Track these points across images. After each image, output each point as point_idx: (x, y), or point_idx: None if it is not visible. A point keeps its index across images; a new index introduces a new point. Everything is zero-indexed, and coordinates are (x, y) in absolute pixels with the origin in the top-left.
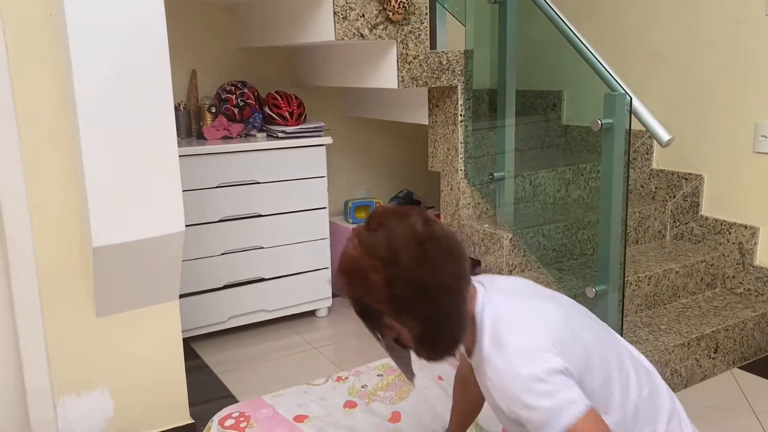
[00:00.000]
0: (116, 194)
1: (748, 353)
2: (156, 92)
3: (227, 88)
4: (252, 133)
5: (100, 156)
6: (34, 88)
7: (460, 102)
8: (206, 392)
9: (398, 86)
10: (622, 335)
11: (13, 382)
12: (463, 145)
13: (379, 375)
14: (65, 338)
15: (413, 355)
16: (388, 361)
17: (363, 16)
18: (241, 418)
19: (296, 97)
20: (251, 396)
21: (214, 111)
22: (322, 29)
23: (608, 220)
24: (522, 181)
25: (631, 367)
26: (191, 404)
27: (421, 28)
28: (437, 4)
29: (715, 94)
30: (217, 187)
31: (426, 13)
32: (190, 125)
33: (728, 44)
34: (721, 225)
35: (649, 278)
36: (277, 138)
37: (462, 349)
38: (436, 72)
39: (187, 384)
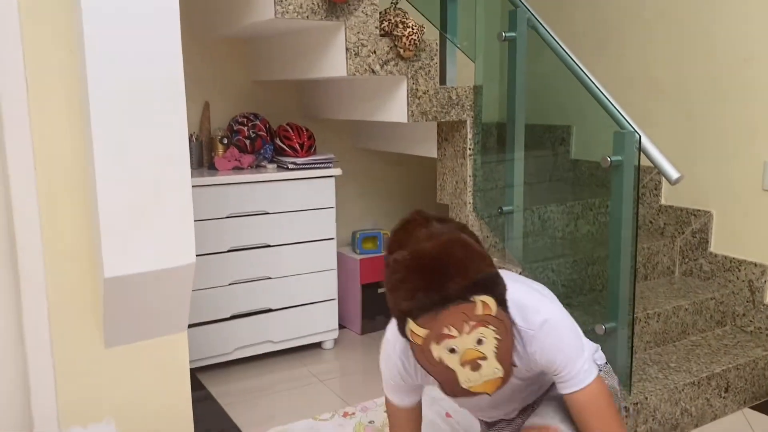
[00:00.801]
0: (129, 225)
1: (760, 393)
2: (171, 125)
3: (239, 120)
4: (263, 164)
5: (114, 187)
6: (50, 119)
7: (469, 136)
8: (212, 424)
9: (408, 120)
10: (631, 373)
11: (21, 411)
12: (471, 178)
13: (386, 411)
14: (73, 368)
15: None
16: None
17: (374, 52)
18: None
19: (307, 130)
20: (257, 429)
21: (225, 142)
22: (335, 65)
23: (618, 256)
24: (531, 215)
25: None
26: None
27: (431, 64)
28: (447, 41)
29: (724, 131)
30: (227, 217)
31: (436, 50)
32: (202, 156)
33: (737, 83)
34: (731, 262)
35: (659, 315)
36: (287, 169)
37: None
38: (446, 107)
39: (194, 416)
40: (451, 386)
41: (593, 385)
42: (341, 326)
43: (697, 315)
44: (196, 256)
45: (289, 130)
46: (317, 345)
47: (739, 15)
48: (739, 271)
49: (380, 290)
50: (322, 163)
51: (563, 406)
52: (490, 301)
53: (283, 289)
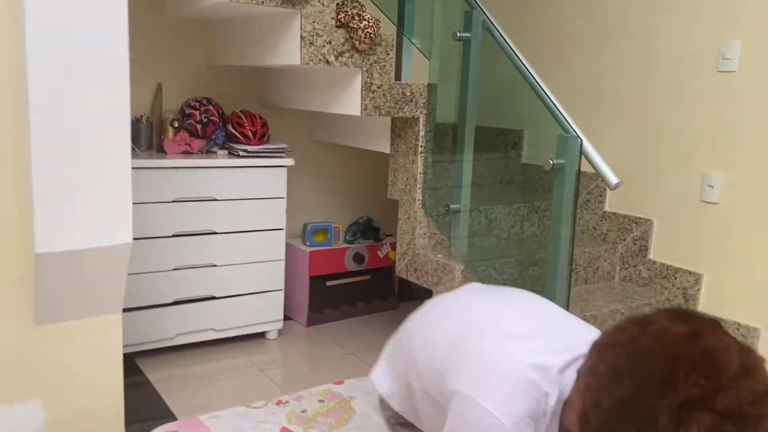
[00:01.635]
0: (64, 202)
1: None
2: (113, 102)
3: (192, 104)
4: (213, 150)
5: (49, 161)
6: None
7: (422, 133)
8: (146, 409)
9: (361, 114)
10: None
11: None
12: (422, 175)
13: (320, 401)
14: (1, 344)
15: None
16: (331, 387)
17: (330, 43)
18: None
19: (260, 117)
20: (192, 416)
21: (176, 126)
22: (289, 53)
23: (556, 257)
24: (477, 215)
25: None
26: (129, 421)
27: (386, 59)
28: (404, 37)
29: (666, 143)
30: (173, 201)
31: (392, 45)
32: (152, 138)
33: (682, 97)
34: (668, 270)
35: (595, 317)
36: (239, 156)
37: None
38: (400, 103)
39: (127, 400)
40: None
41: None
42: (287, 317)
43: None
44: (140, 239)
45: (243, 117)
46: (261, 335)
47: (685, 30)
48: (675, 278)
49: (328, 283)
50: (274, 152)
51: None
52: None
53: (228, 277)
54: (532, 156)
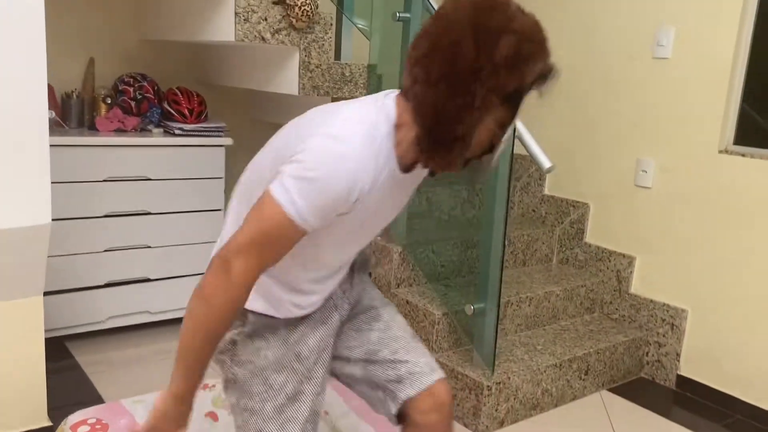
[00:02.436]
0: None
1: (617, 376)
2: (28, 75)
3: (125, 80)
4: (148, 128)
5: None
6: None
7: None
8: (73, 394)
9: (299, 93)
10: (495, 353)
11: None
12: None
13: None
14: None
15: None
16: None
17: (265, 19)
18: (98, 426)
19: (198, 95)
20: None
21: (109, 102)
22: (223, 29)
23: (489, 239)
24: (418, 196)
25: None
26: (56, 406)
27: (325, 38)
28: (344, 16)
29: (604, 128)
30: (104, 180)
31: (331, 24)
32: (83, 115)
33: (618, 82)
34: (603, 252)
35: (531, 299)
36: (174, 135)
37: None
38: (339, 83)
39: (55, 384)
40: (458, 165)
41: None
42: None
43: (567, 301)
44: (69, 219)
45: (179, 94)
46: None
47: (622, 14)
48: (609, 261)
49: None
50: (212, 130)
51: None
52: None
53: (163, 259)
54: None
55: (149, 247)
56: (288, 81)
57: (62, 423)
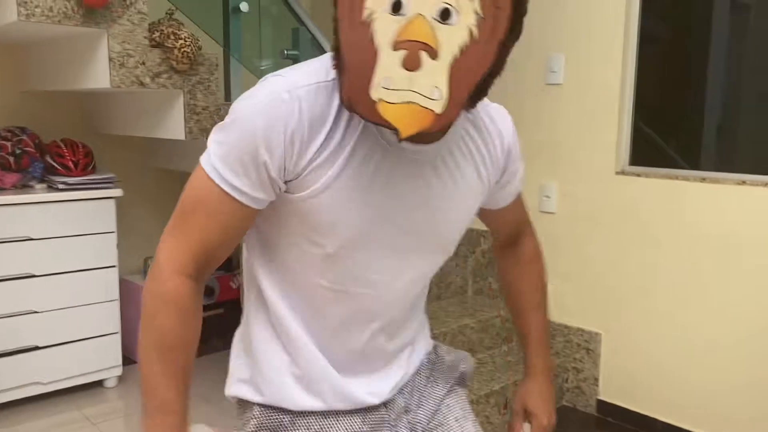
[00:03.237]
0: None
1: None
2: None
3: (2, 135)
4: (30, 184)
5: None
6: None
7: None
8: None
9: (186, 138)
10: None
11: None
12: None
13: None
14: None
15: None
16: None
17: (143, 63)
18: None
19: (84, 146)
20: None
21: None
22: (98, 76)
23: None
24: None
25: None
26: None
27: (211, 78)
28: (231, 56)
29: None
30: None
31: (216, 65)
32: None
33: (517, 108)
34: None
35: (445, 335)
36: (58, 190)
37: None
38: None
39: None
40: (356, 89)
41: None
42: (130, 361)
43: (483, 333)
44: None
45: (62, 146)
46: (99, 383)
47: (519, 41)
48: None
49: None
50: (99, 182)
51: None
52: None
53: (52, 324)
54: None
55: (35, 312)
56: (174, 125)
57: None
